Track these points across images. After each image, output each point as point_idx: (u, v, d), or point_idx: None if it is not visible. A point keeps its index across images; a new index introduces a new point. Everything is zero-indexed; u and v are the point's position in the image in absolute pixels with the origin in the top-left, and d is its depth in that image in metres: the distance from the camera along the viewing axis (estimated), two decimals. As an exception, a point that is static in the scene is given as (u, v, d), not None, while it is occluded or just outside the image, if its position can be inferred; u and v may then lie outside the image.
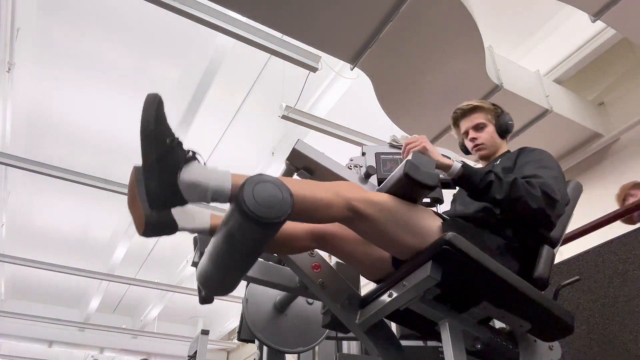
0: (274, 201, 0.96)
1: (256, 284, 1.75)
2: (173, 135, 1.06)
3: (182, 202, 1.05)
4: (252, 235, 0.98)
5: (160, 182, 1.02)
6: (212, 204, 1.11)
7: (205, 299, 1.30)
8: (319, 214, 1.12)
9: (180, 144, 1.06)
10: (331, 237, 1.34)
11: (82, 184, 5.34)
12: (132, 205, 1.07)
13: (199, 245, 1.42)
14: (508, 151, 1.65)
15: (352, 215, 1.14)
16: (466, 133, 1.68)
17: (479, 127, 1.65)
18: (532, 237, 1.32)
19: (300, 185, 1.11)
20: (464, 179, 1.30)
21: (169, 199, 1.03)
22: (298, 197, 1.03)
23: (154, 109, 1.06)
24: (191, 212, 1.15)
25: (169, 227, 1.07)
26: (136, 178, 1.04)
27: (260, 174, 1.00)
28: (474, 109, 1.67)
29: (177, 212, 1.09)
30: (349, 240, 1.34)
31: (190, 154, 1.06)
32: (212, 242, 1.08)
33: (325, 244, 1.36)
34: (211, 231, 1.16)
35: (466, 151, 1.73)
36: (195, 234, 1.43)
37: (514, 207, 1.25)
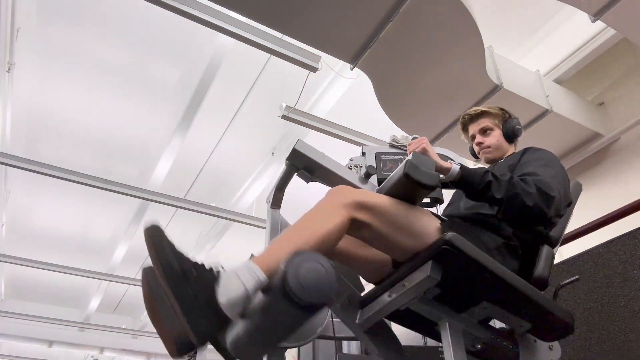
0: (319, 283, 0.92)
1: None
2: (193, 261, 0.98)
3: (230, 321, 0.96)
4: (295, 318, 0.95)
5: (204, 316, 0.93)
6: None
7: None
8: (336, 240, 1.13)
9: (202, 267, 0.99)
10: None
11: (82, 184, 5.34)
12: (159, 324, 0.99)
13: None
14: (513, 153, 1.66)
15: (354, 225, 1.15)
16: (473, 137, 1.71)
17: (485, 131, 1.68)
18: (532, 237, 1.32)
19: (308, 232, 1.09)
20: (462, 181, 1.30)
21: (221, 327, 0.96)
22: (315, 245, 1.03)
23: (166, 245, 0.97)
24: (233, 289, 1.00)
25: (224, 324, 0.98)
26: (156, 295, 0.97)
27: (299, 254, 0.94)
28: (481, 114, 1.70)
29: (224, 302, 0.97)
30: (347, 243, 1.34)
31: (215, 271, 0.99)
32: (248, 317, 0.99)
33: None
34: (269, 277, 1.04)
35: (475, 156, 1.75)
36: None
37: (510, 205, 1.25)
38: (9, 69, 4.31)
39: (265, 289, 0.97)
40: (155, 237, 0.97)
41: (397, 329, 1.42)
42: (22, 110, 5.27)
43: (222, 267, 1.00)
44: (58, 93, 5.24)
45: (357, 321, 1.32)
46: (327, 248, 1.10)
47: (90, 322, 10.07)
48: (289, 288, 0.89)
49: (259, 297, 0.97)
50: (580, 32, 4.06)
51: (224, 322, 0.95)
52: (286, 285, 0.89)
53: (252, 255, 1.40)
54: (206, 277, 0.96)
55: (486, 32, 3.41)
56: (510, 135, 1.67)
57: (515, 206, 1.24)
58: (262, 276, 0.98)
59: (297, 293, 0.89)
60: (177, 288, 0.93)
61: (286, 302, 0.90)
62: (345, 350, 2.64)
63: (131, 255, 7.82)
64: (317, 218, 1.13)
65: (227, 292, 0.95)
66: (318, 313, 0.97)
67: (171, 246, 0.97)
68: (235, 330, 0.99)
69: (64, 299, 9.87)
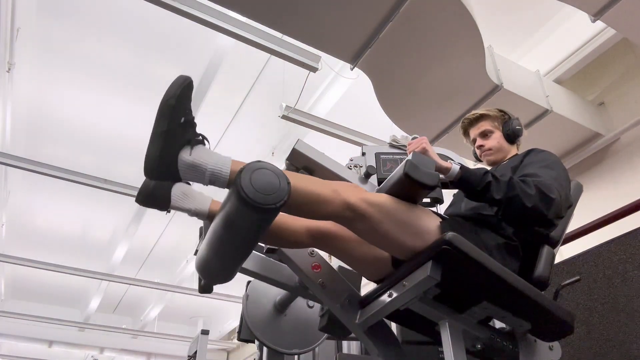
0: (271, 187, 0.97)
1: (256, 278, 1.75)
2: (190, 116, 1.10)
3: (177, 178, 1.08)
4: (248, 221, 0.99)
5: (161, 154, 1.06)
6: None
7: (205, 288, 1.31)
8: (316, 208, 1.13)
9: (193, 125, 1.10)
10: (330, 237, 1.34)
11: (82, 184, 5.34)
12: None
13: (204, 234, 1.43)
14: (516, 154, 1.66)
15: (351, 215, 1.14)
16: (474, 141, 1.72)
17: (485, 134, 1.69)
18: (533, 237, 1.32)
19: (299, 178, 1.12)
20: (462, 181, 1.31)
21: (164, 172, 1.07)
22: (296, 188, 1.05)
23: (180, 87, 1.09)
24: (192, 194, 1.16)
25: (161, 202, 1.10)
26: None
27: (259, 161, 1.01)
28: (480, 117, 1.71)
29: (177, 191, 1.12)
30: (348, 240, 1.33)
31: (200, 137, 1.10)
32: (210, 228, 1.10)
33: (324, 244, 1.35)
34: (209, 216, 1.17)
35: (479, 159, 1.75)
36: (201, 225, 1.44)
37: (509, 206, 1.25)
38: (9, 69, 4.31)
39: (228, 182, 1.07)
40: (180, 80, 1.10)
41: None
42: (22, 110, 5.27)
43: (207, 141, 1.12)
44: (58, 93, 5.24)
45: (357, 321, 1.32)
46: (307, 207, 1.12)
47: (90, 322, 10.07)
48: (239, 184, 0.94)
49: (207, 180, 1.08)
50: (580, 32, 4.06)
51: (171, 171, 1.06)
52: (237, 181, 0.94)
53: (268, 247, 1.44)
54: (188, 133, 1.09)
55: (486, 32, 3.41)
56: (511, 136, 1.67)
57: (514, 207, 1.24)
58: (226, 170, 1.08)
59: (246, 191, 0.93)
60: (160, 116, 1.07)
61: (238, 199, 0.94)
62: (345, 350, 2.64)
63: (131, 255, 7.82)
64: (317, 183, 1.15)
65: (192, 156, 1.07)
66: (269, 218, 1.01)
67: (185, 92, 1.09)
68: (201, 250, 1.10)
69: (64, 299, 9.87)
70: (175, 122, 1.07)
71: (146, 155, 1.08)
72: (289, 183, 0.99)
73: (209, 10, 3.30)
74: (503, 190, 1.25)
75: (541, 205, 1.24)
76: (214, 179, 1.08)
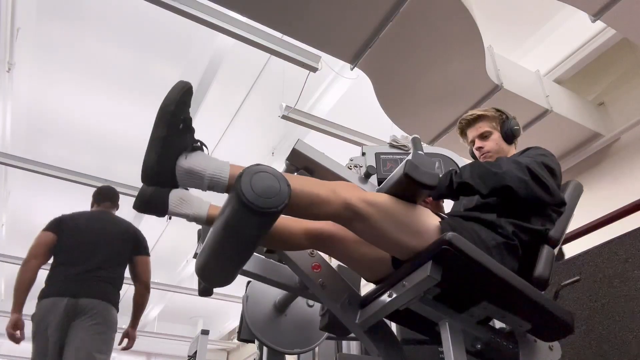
0: (272, 191, 0.96)
1: (256, 280, 1.75)
2: (188, 122, 1.10)
3: (175, 184, 1.08)
4: (248, 224, 0.99)
5: (159, 160, 1.06)
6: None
7: (205, 291, 1.31)
8: (316, 209, 1.13)
9: (192, 131, 1.10)
10: (329, 239, 1.33)
11: (82, 184, 5.34)
12: None
13: (202, 237, 1.43)
14: (514, 155, 1.66)
15: (350, 215, 1.15)
16: (473, 142, 1.71)
17: (484, 136, 1.68)
18: (532, 236, 1.32)
19: (298, 180, 1.12)
20: (436, 193, 1.33)
21: (161, 178, 1.07)
22: (296, 190, 1.04)
23: (180, 93, 1.09)
24: (190, 199, 1.15)
25: (159, 207, 1.09)
26: None
27: (258, 164, 1.01)
28: (478, 118, 1.70)
29: (175, 196, 1.11)
30: (347, 241, 1.33)
31: (198, 143, 1.10)
32: (210, 232, 1.09)
33: (323, 245, 1.35)
34: (208, 221, 1.17)
35: (475, 159, 1.75)
36: (200, 227, 1.44)
37: (483, 182, 1.27)
38: (9, 69, 4.32)
39: (228, 188, 1.06)
40: (180, 85, 1.10)
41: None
42: (22, 110, 5.28)
43: (205, 147, 1.12)
44: (58, 93, 5.24)
45: (357, 321, 1.32)
46: (307, 208, 1.12)
47: (90, 322, 10.04)
48: (239, 188, 0.93)
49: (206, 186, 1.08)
50: (580, 32, 4.06)
51: (169, 177, 1.06)
52: (237, 185, 0.94)
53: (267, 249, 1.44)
54: (186, 139, 1.09)
55: (486, 32, 3.41)
56: (510, 136, 1.67)
57: (488, 179, 1.27)
58: (225, 175, 1.08)
59: (246, 195, 0.93)
60: (158, 122, 1.07)
61: (238, 203, 0.94)
62: (345, 350, 2.64)
63: (131, 255, 7.81)
64: (317, 184, 1.16)
65: (189, 162, 1.07)
66: (269, 222, 1.01)
67: (184, 98, 1.09)
68: (201, 254, 1.10)
69: (64, 299, 9.86)
70: (174, 128, 1.07)
71: (144, 162, 1.08)
72: (289, 185, 0.99)
73: (209, 10, 3.30)
74: (466, 170, 1.30)
75: (517, 171, 1.28)
76: (212, 185, 1.08)
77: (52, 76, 5.02)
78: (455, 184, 1.29)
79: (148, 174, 1.08)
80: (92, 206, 3.03)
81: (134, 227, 3.07)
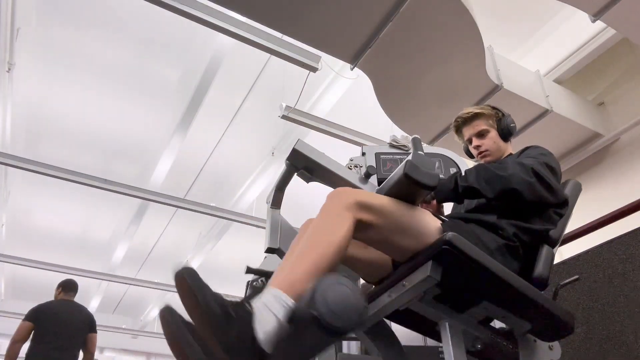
0: (350, 309, 0.89)
1: (256, 275, 1.75)
2: (229, 302, 0.95)
3: (268, 355, 0.94)
4: (323, 342, 0.93)
5: (248, 357, 0.92)
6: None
7: None
8: (346, 245, 1.12)
9: (237, 304, 0.95)
10: None
11: (82, 184, 5.34)
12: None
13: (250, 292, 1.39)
14: (511, 154, 1.66)
15: (357, 226, 1.15)
16: (470, 140, 1.70)
17: (481, 134, 1.67)
18: (532, 237, 1.32)
19: (321, 249, 1.08)
20: (438, 193, 1.33)
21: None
22: (333, 260, 1.04)
23: (205, 289, 0.93)
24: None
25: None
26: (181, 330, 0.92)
27: (325, 279, 0.92)
28: (474, 117, 1.68)
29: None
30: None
31: (247, 306, 0.96)
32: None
33: None
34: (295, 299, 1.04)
35: (471, 155, 1.74)
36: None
37: (490, 186, 1.27)
38: (9, 69, 4.31)
39: (293, 315, 0.95)
40: (192, 280, 0.93)
41: (397, 329, 1.42)
42: (22, 110, 5.28)
43: (250, 302, 0.97)
44: (58, 93, 5.24)
45: (357, 321, 1.32)
46: (342, 256, 1.10)
47: (90, 322, 10.05)
48: (319, 314, 0.86)
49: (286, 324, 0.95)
50: (580, 32, 4.06)
51: (263, 357, 0.93)
52: (315, 312, 0.87)
53: (248, 267, 1.40)
54: (243, 316, 0.94)
55: (486, 32, 3.41)
56: (506, 134, 1.66)
57: (494, 183, 1.27)
58: (290, 301, 0.96)
59: (326, 318, 0.86)
60: (221, 332, 0.90)
61: (315, 327, 0.88)
62: (345, 350, 2.64)
63: (131, 255, 7.82)
64: (326, 227, 1.12)
65: (263, 327, 0.93)
66: (345, 336, 0.95)
67: (208, 287, 0.93)
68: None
69: (64, 299, 9.86)
70: (234, 324, 0.91)
71: None
72: (361, 295, 0.92)
73: (209, 10, 3.30)
74: (472, 174, 1.29)
75: (522, 173, 1.28)
76: (286, 319, 0.96)
77: (52, 76, 5.02)
78: (461, 188, 1.29)
79: None
80: (58, 294, 3.96)
81: (89, 312, 4.02)
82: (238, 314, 0.93)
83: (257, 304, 0.96)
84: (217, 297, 0.93)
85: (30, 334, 3.59)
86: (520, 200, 1.28)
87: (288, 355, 0.94)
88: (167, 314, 0.93)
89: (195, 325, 0.94)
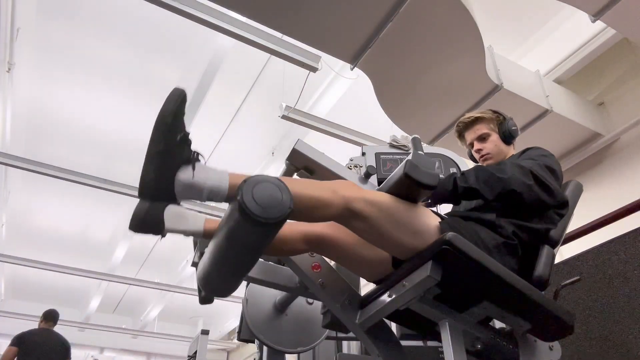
0: (274, 201, 0.96)
1: (256, 284, 1.75)
2: (185, 133, 1.08)
3: (174, 199, 1.07)
4: (252, 235, 0.98)
5: (157, 175, 1.04)
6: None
7: (206, 299, 1.30)
8: (317, 212, 1.12)
9: (189, 143, 1.09)
10: (327, 242, 1.33)
11: (82, 184, 5.35)
12: None
13: (199, 245, 1.42)
14: (513, 155, 1.66)
15: (351, 215, 1.14)
16: (472, 144, 1.71)
17: (482, 138, 1.67)
18: (532, 236, 1.32)
19: (298, 185, 1.11)
20: (436, 195, 1.32)
21: (161, 193, 1.06)
22: (297, 196, 1.03)
23: (175, 103, 1.06)
24: (185, 215, 1.13)
25: (155, 226, 1.07)
26: None
27: (259, 175, 1.00)
28: (475, 121, 1.69)
29: (170, 213, 1.08)
30: (346, 243, 1.33)
31: (195, 155, 1.08)
32: (212, 242, 1.08)
33: (322, 249, 1.34)
34: (205, 235, 1.16)
35: (475, 160, 1.75)
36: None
37: (489, 187, 1.27)
38: (9, 69, 4.32)
39: (228, 197, 1.06)
40: (175, 95, 1.06)
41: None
42: (22, 110, 5.28)
43: (202, 157, 1.10)
44: (58, 93, 5.24)
45: (357, 321, 1.32)
46: (309, 212, 1.12)
47: (90, 322, 10.07)
48: (242, 200, 0.93)
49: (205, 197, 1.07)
50: (580, 32, 4.06)
51: (168, 192, 1.04)
52: (239, 197, 0.93)
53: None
54: (184, 152, 1.06)
55: (486, 32, 3.41)
56: (508, 137, 1.67)
57: (493, 184, 1.26)
58: (225, 185, 1.07)
59: (249, 206, 0.93)
60: (155, 136, 1.05)
61: (241, 215, 0.93)
62: (345, 350, 2.64)
63: (131, 255, 7.82)
64: (317, 187, 1.14)
65: (187, 175, 1.05)
66: (273, 232, 1.00)
67: (180, 108, 1.06)
68: (202, 264, 1.09)
69: (64, 299, 9.87)
70: (172, 141, 1.05)
71: (141, 177, 1.06)
72: (290, 195, 0.99)
73: (209, 10, 3.30)
74: (472, 176, 1.29)
75: (518, 174, 1.28)
76: (212, 196, 1.08)
77: (52, 76, 5.02)
78: (461, 189, 1.29)
79: (146, 188, 1.06)
80: (40, 322, 4.66)
81: (65, 339, 4.64)
82: (182, 143, 1.07)
83: (202, 162, 1.10)
84: (180, 118, 1.07)
85: (15, 357, 4.26)
86: (519, 202, 1.28)
87: (223, 252, 1.03)
88: (175, 95, 1.07)
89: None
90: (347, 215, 1.14)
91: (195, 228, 1.14)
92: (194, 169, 1.07)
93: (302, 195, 1.08)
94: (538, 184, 1.30)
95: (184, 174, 1.06)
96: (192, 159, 1.08)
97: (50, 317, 4.71)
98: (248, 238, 0.99)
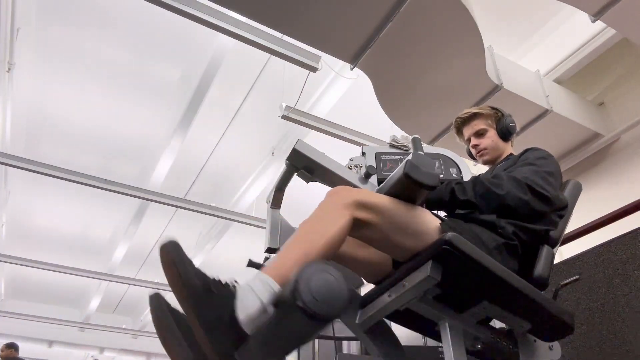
0: (333, 296, 0.91)
1: (258, 269, 1.74)
2: (211, 278, 0.95)
3: (248, 337, 0.94)
4: (307, 330, 0.92)
5: (229, 337, 0.91)
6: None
7: None
8: (338, 246, 1.13)
9: (220, 283, 0.95)
10: None
11: (82, 184, 5.35)
12: (170, 351, 0.95)
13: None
14: (512, 154, 1.66)
15: (356, 225, 1.15)
16: (469, 140, 1.71)
17: (479, 134, 1.68)
18: (532, 237, 1.32)
19: (322, 242, 1.08)
20: (430, 202, 1.32)
21: (238, 346, 0.92)
22: (328, 252, 1.04)
23: (187, 262, 0.94)
24: (251, 314, 0.97)
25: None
26: (167, 319, 0.94)
27: (308, 266, 0.93)
28: (473, 116, 1.70)
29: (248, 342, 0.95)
30: (347, 243, 1.33)
31: (231, 286, 0.96)
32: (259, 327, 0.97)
33: None
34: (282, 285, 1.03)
35: (473, 157, 1.75)
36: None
37: (486, 202, 1.27)
38: (9, 69, 4.32)
39: (277, 300, 0.95)
40: (176, 254, 0.93)
41: (397, 329, 1.42)
42: (22, 110, 5.28)
43: (237, 282, 0.97)
44: (58, 93, 5.24)
45: (357, 321, 1.32)
46: (335, 251, 1.11)
47: (90, 322, 10.07)
48: (302, 301, 0.88)
49: (271, 309, 0.95)
50: (580, 32, 4.06)
51: (243, 339, 0.92)
52: (298, 298, 0.88)
53: (250, 260, 1.41)
54: (225, 294, 0.94)
55: (486, 32, 3.41)
56: (505, 134, 1.67)
57: (490, 199, 1.26)
58: (276, 287, 0.97)
59: (309, 305, 0.88)
60: (200, 307, 0.90)
61: (298, 314, 0.89)
62: (345, 350, 2.64)
63: (131, 255, 7.82)
64: (321, 221, 1.12)
65: (245, 308, 0.93)
66: (329, 324, 0.95)
67: (191, 263, 0.94)
68: (246, 344, 0.96)
69: (64, 299, 9.88)
70: (214, 300, 0.91)
71: (216, 351, 0.89)
72: (348, 288, 0.94)
73: (209, 10, 3.30)
74: (469, 189, 1.28)
75: (516, 190, 1.27)
76: (271, 304, 0.96)
77: (52, 76, 5.02)
78: (457, 201, 1.29)
79: (230, 354, 0.90)
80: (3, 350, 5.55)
81: None
82: (219, 291, 0.93)
83: (242, 285, 0.97)
84: (199, 273, 0.94)
85: None
86: (514, 216, 1.29)
87: (271, 341, 0.92)
88: (155, 300, 0.97)
89: (180, 305, 0.95)
90: (354, 227, 1.15)
91: (269, 298, 0.97)
92: (236, 299, 0.94)
93: (325, 244, 1.08)
94: (535, 196, 1.29)
95: (242, 313, 0.92)
96: (233, 292, 0.95)
97: (14, 346, 5.62)
98: (304, 333, 0.93)
